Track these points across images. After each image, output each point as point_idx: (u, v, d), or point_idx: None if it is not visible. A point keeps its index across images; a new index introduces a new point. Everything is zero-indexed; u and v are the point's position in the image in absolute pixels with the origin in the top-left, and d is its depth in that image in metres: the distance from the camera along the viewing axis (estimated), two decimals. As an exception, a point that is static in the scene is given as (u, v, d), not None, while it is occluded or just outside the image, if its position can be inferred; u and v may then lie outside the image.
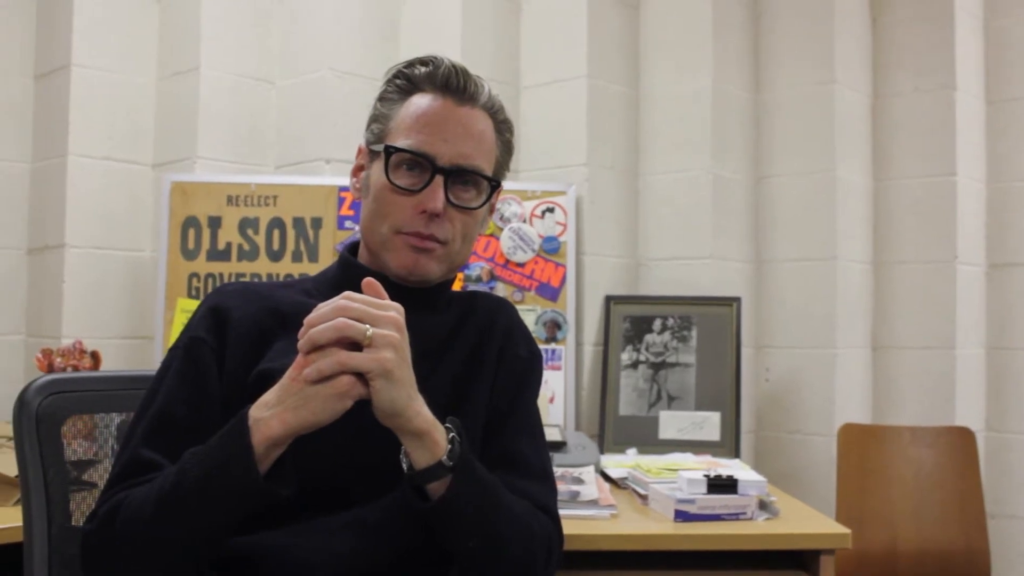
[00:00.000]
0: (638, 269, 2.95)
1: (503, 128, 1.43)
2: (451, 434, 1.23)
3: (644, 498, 2.09)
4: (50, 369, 2.46)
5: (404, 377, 1.18)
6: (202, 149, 2.82)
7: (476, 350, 1.45)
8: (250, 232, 2.70)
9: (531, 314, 2.68)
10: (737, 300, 2.75)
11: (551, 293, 2.72)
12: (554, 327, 2.70)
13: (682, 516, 1.92)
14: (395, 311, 1.19)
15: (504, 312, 1.51)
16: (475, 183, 1.37)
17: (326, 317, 1.15)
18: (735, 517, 1.94)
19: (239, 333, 1.35)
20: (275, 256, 2.70)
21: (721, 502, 1.95)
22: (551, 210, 2.75)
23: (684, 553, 1.89)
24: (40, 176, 2.91)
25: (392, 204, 1.36)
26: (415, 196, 1.34)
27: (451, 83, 1.38)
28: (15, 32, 2.93)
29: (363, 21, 2.92)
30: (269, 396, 1.18)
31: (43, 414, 1.53)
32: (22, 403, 1.52)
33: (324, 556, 1.28)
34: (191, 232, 2.69)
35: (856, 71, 2.96)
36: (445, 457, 1.20)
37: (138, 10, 2.94)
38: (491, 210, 1.46)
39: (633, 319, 2.78)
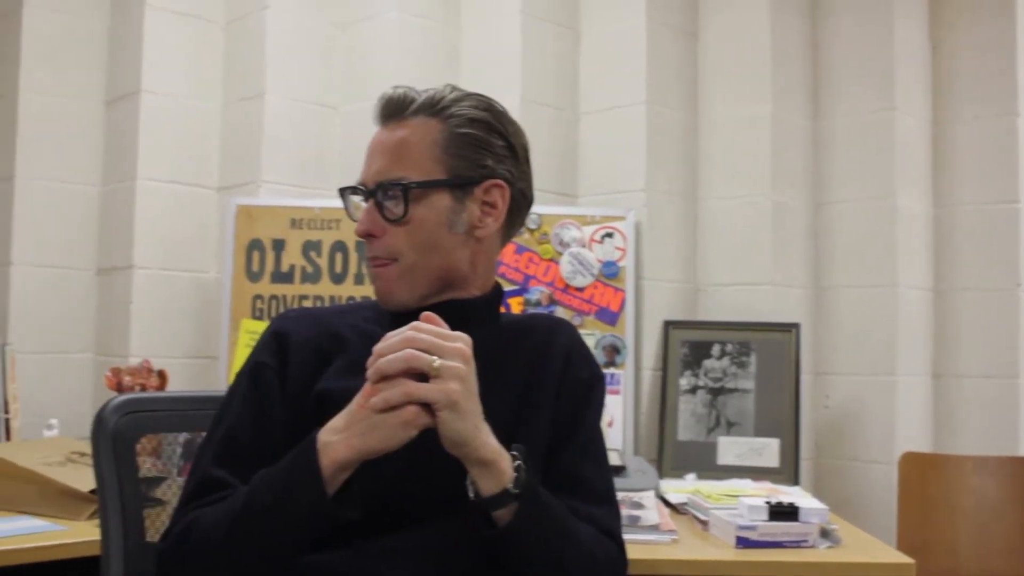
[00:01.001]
0: (697, 294, 2.96)
1: (455, 122, 1.39)
2: (516, 462, 1.24)
3: (704, 524, 2.09)
4: (119, 388, 2.52)
5: (470, 408, 1.20)
6: (266, 173, 2.87)
7: (534, 371, 1.44)
8: (313, 255, 2.75)
9: (590, 338, 2.69)
10: (796, 326, 2.74)
11: (610, 317, 2.73)
12: (613, 351, 2.71)
13: (743, 543, 1.92)
14: (462, 342, 1.21)
15: (563, 332, 1.50)
16: (400, 193, 1.37)
17: (394, 348, 1.18)
18: (797, 545, 1.93)
19: (300, 356, 1.39)
20: (337, 279, 2.74)
21: (783, 529, 1.94)
22: (610, 235, 2.76)
23: (745, 579, 1.89)
24: (110, 199, 2.98)
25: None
26: None
27: (385, 111, 1.42)
28: (87, 58, 3.00)
29: (424, 49, 2.97)
30: (337, 421, 1.22)
31: (119, 432, 1.58)
32: (100, 421, 1.56)
33: None
34: (255, 254, 2.74)
35: (916, 98, 2.95)
36: (511, 485, 1.22)
37: (205, 37, 3.01)
38: (488, 207, 1.41)
39: (692, 344, 2.78)
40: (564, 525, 1.31)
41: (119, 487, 1.56)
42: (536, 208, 2.73)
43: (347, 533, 1.28)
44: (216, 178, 3.00)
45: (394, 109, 1.41)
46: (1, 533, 1.91)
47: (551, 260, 2.76)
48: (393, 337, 1.20)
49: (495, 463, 1.22)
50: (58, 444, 2.37)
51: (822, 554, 1.91)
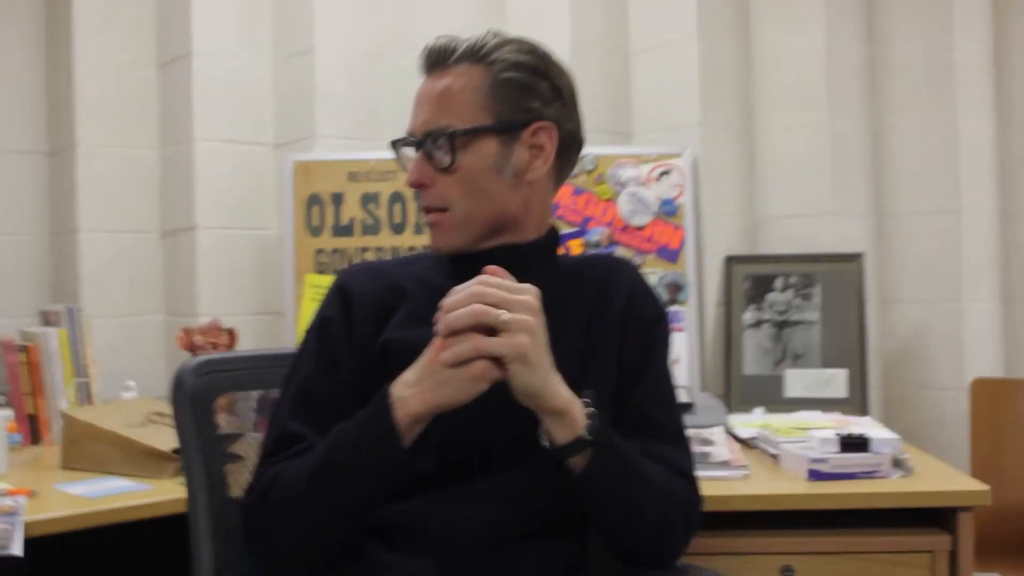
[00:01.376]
0: (757, 228, 2.94)
1: (498, 67, 1.41)
2: (589, 408, 1.27)
3: (775, 458, 2.10)
4: (191, 347, 2.58)
5: (540, 360, 1.23)
6: (321, 128, 2.89)
7: (597, 313, 1.46)
8: (372, 207, 2.77)
9: (652, 276, 2.69)
10: (859, 256, 2.72)
11: (671, 255, 2.73)
12: (675, 289, 2.71)
13: (815, 475, 1.93)
14: (530, 295, 1.23)
15: (622, 272, 1.52)
16: (446, 142, 1.39)
17: (462, 303, 1.21)
18: (869, 475, 1.93)
19: (364, 308, 1.44)
20: (397, 229, 2.76)
21: (854, 460, 1.94)
22: (667, 173, 2.75)
23: (819, 512, 1.89)
24: (169, 161, 3.02)
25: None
26: None
27: (428, 61, 1.44)
28: (137, 24, 3.02)
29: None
30: (409, 375, 1.26)
31: (197, 392, 1.63)
32: (179, 382, 1.62)
33: (461, 525, 1.35)
34: (315, 209, 2.77)
35: (976, 20, 2.86)
36: (585, 432, 1.26)
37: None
38: (536, 150, 1.42)
39: (754, 278, 2.77)
40: (638, 468, 1.34)
41: (201, 445, 1.62)
42: (591, 149, 2.73)
43: (421, 482, 1.32)
44: (272, 135, 3.02)
45: (437, 58, 1.43)
46: (91, 494, 1.98)
47: (609, 200, 2.75)
48: (461, 292, 1.22)
49: (568, 412, 1.25)
50: (138, 406, 2.44)
51: (895, 483, 1.91)
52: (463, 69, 1.41)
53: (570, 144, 1.48)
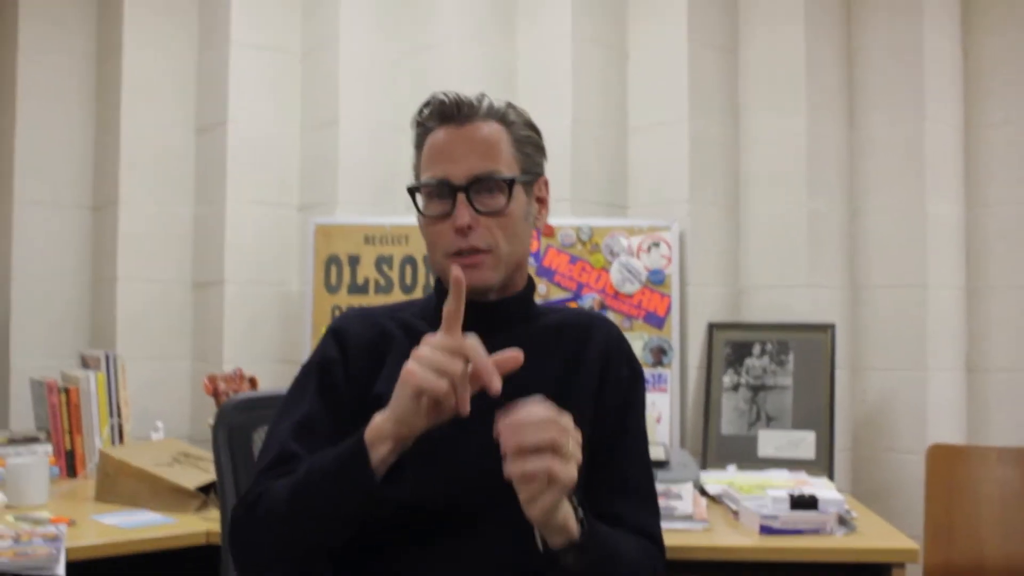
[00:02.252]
0: (739, 297, 3.15)
1: (517, 127, 1.51)
2: (578, 511, 1.29)
3: (736, 513, 2.33)
4: (216, 393, 2.83)
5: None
6: (341, 193, 3.16)
7: (572, 366, 1.51)
8: (385, 268, 3.03)
9: (639, 341, 2.92)
10: (832, 326, 2.94)
11: (657, 321, 2.96)
12: (660, 353, 2.94)
13: (767, 530, 2.15)
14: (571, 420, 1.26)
15: (601, 328, 1.57)
16: (496, 187, 1.46)
17: (537, 425, 1.22)
18: (816, 532, 2.16)
19: (358, 351, 1.51)
20: (407, 290, 3.01)
21: (803, 518, 2.16)
22: (657, 245, 2.99)
23: (769, 564, 2.11)
24: (202, 219, 3.31)
25: (435, 234, 1.48)
26: (448, 220, 1.45)
27: (447, 111, 1.48)
28: (179, 91, 3.32)
29: (484, 74, 3.21)
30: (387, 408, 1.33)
31: (236, 426, 1.81)
32: (222, 415, 1.80)
33: None
34: (333, 268, 3.03)
35: (947, 106, 3.09)
36: (577, 536, 1.28)
37: (284, 68, 3.30)
38: (541, 202, 1.56)
39: (734, 344, 3.00)
40: (619, 553, 1.39)
41: (235, 475, 1.78)
42: (588, 220, 3.00)
43: (406, 537, 1.41)
44: (297, 198, 3.30)
45: (466, 110, 1.49)
46: (124, 524, 2.24)
47: (602, 269, 2.99)
48: (535, 414, 1.23)
49: (566, 522, 1.27)
50: (166, 446, 2.69)
51: (838, 540, 2.14)
52: (491, 123, 1.49)
53: None
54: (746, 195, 3.18)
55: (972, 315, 3.11)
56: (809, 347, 2.94)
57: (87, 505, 2.47)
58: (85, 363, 3.07)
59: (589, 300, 2.97)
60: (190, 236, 3.32)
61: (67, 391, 2.88)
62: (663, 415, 2.90)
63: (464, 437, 1.34)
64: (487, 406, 1.26)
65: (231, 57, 3.20)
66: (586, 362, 1.52)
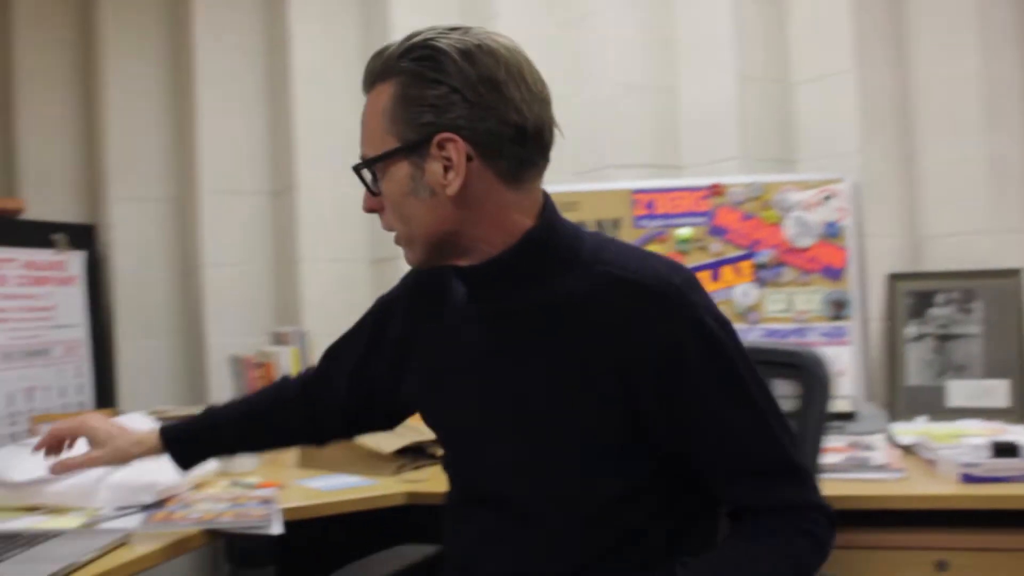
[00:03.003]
0: (918, 246, 3.07)
1: (407, 77, 1.30)
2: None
3: (932, 463, 2.28)
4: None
5: None
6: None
7: (588, 343, 1.32)
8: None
9: (816, 295, 2.89)
10: (1019, 271, 2.84)
11: (834, 274, 2.92)
12: (839, 306, 2.89)
13: (968, 478, 2.10)
14: None
15: (652, 306, 1.29)
16: (368, 173, 1.39)
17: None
18: (1021, 480, 2.10)
19: (409, 293, 1.65)
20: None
21: (1006, 465, 2.11)
22: (830, 197, 2.94)
23: (973, 513, 2.06)
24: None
25: None
26: None
27: (363, 81, 1.39)
28: (349, 77, 3.43)
29: (643, 38, 3.21)
30: None
31: None
32: None
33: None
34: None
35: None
36: None
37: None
38: (447, 163, 1.31)
39: (916, 294, 2.93)
40: None
41: None
42: (758, 176, 2.97)
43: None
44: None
45: (368, 78, 1.37)
46: (327, 487, 2.35)
47: (775, 224, 2.96)
48: None
49: None
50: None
51: (1045, 487, 2.07)
52: (377, 91, 1.34)
53: (498, 140, 1.30)
54: (920, 142, 3.08)
55: None
56: (996, 293, 2.85)
57: (291, 471, 2.60)
58: (278, 339, 3.21)
59: (764, 256, 2.94)
60: (365, 215, 3.42)
61: (263, 366, 3.03)
62: (847, 368, 2.85)
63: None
64: (487, 406, 1.38)
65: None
66: (617, 336, 1.30)
